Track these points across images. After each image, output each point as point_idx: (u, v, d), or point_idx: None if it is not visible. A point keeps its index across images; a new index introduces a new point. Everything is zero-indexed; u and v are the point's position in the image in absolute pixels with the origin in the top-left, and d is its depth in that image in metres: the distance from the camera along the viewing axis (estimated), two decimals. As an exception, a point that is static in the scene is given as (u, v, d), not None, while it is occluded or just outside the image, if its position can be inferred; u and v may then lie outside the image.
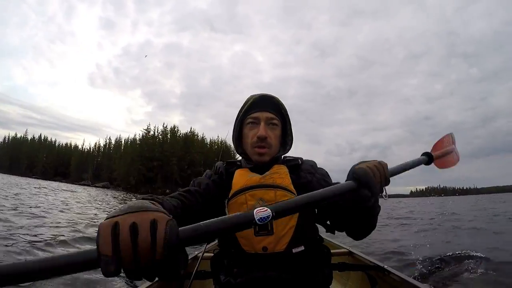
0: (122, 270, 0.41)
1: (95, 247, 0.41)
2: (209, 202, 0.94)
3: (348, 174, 0.76)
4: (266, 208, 0.57)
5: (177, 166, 61.97)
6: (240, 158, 1.12)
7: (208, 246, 1.32)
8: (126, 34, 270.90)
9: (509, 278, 3.03)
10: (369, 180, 0.72)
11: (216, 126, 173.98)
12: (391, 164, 0.85)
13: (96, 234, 0.42)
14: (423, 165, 1.05)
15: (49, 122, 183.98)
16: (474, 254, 3.92)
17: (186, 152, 65.07)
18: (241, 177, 0.98)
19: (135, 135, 73.77)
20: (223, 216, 0.54)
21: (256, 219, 0.55)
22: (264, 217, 0.56)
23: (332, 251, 1.27)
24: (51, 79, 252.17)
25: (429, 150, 1.09)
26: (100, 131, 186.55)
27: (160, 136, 67.32)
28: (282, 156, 1.09)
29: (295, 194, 0.92)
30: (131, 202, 0.48)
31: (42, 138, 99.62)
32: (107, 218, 0.43)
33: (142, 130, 67.90)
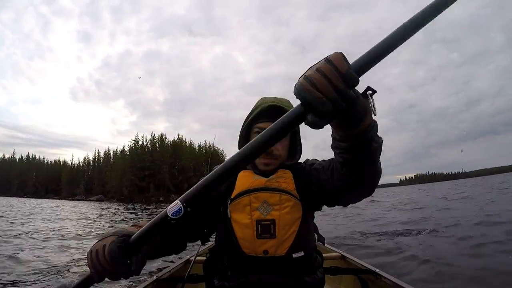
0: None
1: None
2: (209, 206, 0.96)
3: None
4: (177, 202, 0.57)
5: (168, 173, 63.74)
6: None
7: (201, 249, 1.33)
8: (105, 45, 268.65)
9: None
10: (305, 96, 0.47)
11: (201, 130, 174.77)
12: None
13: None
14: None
15: (35, 140, 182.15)
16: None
17: (175, 159, 66.98)
18: (245, 179, 0.98)
19: (123, 146, 74.70)
20: (147, 223, 0.61)
21: (169, 215, 0.57)
22: (175, 211, 0.57)
23: (324, 255, 1.26)
24: (33, 97, 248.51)
25: None
26: (86, 144, 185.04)
27: (149, 145, 68.82)
28: None
29: (298, 199, 0.94)
30: (111, 229, 1.10)
31: (30, 157, 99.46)
32: (93, 245, 0.70)
33: (131, 141, 69.27)
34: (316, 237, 1.10)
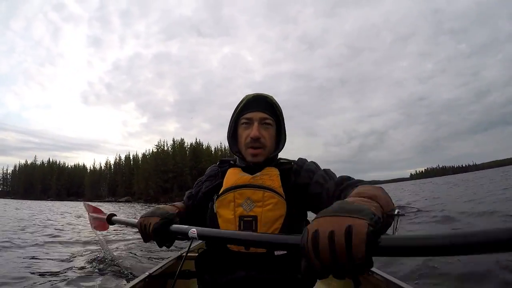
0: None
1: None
2: (202, 201, 1.06)
3: None
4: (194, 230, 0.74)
5: (190, 175, 67.12)
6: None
7: (193, 245, 1.28)
8: (115, 49, 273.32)
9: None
10: (302, 252, 0.49)
11: (211, 130, 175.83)
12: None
13: None
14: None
15: (47, 144, 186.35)
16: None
17: (196, 161, 71.32)
18: (232, 176, 1.00)
19: (145, 150, 78.76)
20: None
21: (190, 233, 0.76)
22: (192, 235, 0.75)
23: None
24: (44, 102, 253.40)
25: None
26: (98, 147, 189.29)
27: (170, 149, 73.49)
28: (278, 158, 1.09)
29: (283, 197, 0.93)
30: (154, 208, 0.95)
31: (51, 161, 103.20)
32: (142, 217, 0.85)
33: (154, 146, 73.84)
34: None
